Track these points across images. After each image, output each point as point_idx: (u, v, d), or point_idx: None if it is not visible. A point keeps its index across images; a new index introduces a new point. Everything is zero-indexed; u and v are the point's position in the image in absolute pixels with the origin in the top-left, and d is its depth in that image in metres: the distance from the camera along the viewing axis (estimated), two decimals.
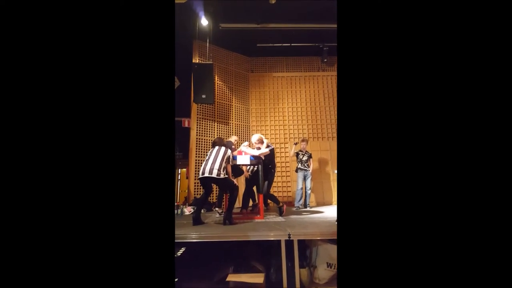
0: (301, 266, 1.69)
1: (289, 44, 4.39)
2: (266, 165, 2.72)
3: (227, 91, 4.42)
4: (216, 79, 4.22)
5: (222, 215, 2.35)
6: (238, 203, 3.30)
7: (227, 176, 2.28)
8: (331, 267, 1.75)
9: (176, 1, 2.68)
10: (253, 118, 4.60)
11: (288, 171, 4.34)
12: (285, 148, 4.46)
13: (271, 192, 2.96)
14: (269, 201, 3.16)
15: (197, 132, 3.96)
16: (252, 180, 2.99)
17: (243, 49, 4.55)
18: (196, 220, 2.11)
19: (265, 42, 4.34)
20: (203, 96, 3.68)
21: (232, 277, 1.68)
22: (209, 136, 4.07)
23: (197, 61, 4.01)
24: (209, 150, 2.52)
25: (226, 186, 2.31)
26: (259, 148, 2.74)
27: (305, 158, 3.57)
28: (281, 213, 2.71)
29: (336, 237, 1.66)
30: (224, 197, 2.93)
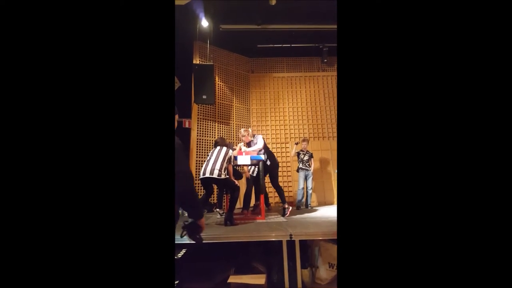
0: (303, 267, 1.69)
1: (289, 45, 4.40)
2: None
3: (227, 91, 4.42)
4: (216, 79, 4.22)
5: (223, 216, 2.35)
6: (239, 204, 3.30)
7: (228, 176, 2.28)
8: (333, 268, 1.75)
9: (176, 3, 2.69)
10: (253, 118, 4.61)
11: (290, 171, 4.34)
12: (286, 148, 4.46)
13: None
14: (270, 201, 3.15)
15: (197, 133, 3.96)
16: (253, 180, 2.99)
17: (243, 50, 4.56)
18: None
19: (266, 43, 4.35)
20: (204, 97, 3.69)
21: (233, 279, 1.68)
22: (210, 137, 4.07)
23: (198, 62, 4.02)
24: (210, 150, 2.52)
25: (227, 186, 2.31)
26: (255, 143, 2.74)
27: (306, 157, 3.57)
28: (284, 214, 2.70)
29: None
30: (225, 197, 2.93)
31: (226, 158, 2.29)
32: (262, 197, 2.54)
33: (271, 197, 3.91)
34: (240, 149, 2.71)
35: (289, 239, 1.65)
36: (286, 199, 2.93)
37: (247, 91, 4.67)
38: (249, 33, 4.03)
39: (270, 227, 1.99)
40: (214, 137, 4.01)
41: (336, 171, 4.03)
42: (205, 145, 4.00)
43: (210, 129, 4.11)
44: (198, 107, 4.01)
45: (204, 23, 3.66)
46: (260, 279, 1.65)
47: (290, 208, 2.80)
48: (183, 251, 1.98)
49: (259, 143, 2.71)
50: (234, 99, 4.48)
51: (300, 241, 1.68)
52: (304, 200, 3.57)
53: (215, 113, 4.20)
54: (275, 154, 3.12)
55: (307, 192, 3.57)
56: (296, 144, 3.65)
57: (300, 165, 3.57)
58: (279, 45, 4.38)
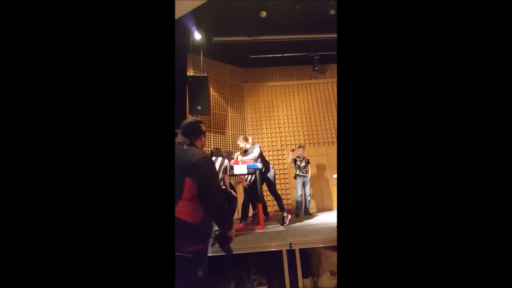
0: (304, 276, 1.66)
1: (281, 55, 4.50)
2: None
3: (222, 101, 4.46)
4: (211, 90, 4.27)
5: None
6: (237, 214, 3.26)
7: (224, 187, 2.27)
8: (334, 275, 1.73)
9: None
10: (249, 127, 4.63)
11: (287, 178, 4.34)
12: (282, 155, 4.47)
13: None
14: (268, 210, 3.11)
15: None
16: (251, 189, 2.98)
17: (236, 61, 4.64)
18: None
19: (258, 53, 4.44)
20: (199, 108, 3.71)
21: None
22: (206, 147, 4.07)
23: (192, 74, 4.06)
24: None
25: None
26: (251, 151, 2.74)
27: (303, 164, 3.58)
28: (283, 223, 2.68)
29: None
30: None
31: (222, 168, 2.29)
32: (260, 206, 2.52)
33: (270, 205, 3.88)
34: (237, 158, 2.72)
35: (289, 248, 1.64)
36: (285, 206, 2.90)
37: (241, 100, 4.72)
38: (241, 45, 4.12)
39: (269, 237, 1.97)
40: (210, 147, 4.01)
41: (334, 176, 4.04)
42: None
43: (205, 139, 4.11)
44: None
45: (197, 36, 3.73)
46: None
47: (289, 216, 2.77)
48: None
49: (255, 152, 2.72)
50: (229, 109, 4.52)
51: (300, 249, 1.66)
52: (303, 207, 3.55)
53: (210, 123, 4.21)
54: (271, 162, 3.12)
55: (305, 198, 3.55)
56: (292, 151, 3.66)
57: (298, 172, 3.57)
58: (271, 55, 4.48)
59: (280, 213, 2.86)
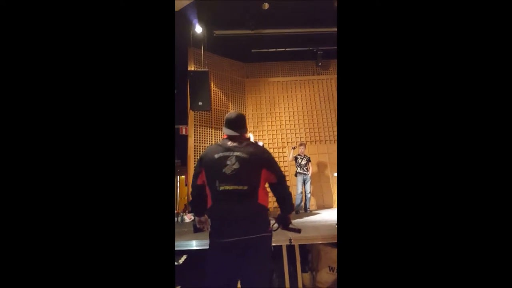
0: (303, 271, 1.67)
1: (283, 49, 4.45)
2: None
3: (223, 97, 4.44)
4: (212, 85, 4.24)
5: None
6: None
7: None
8: (333, 271, 1.73)
9: None
10: (250, 123, 4.61)
11: (287, 175, 4.33)
12: (283, 152, 4.46)
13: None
14: (268, 206, 3.11)
15: (194, 139, 3.95)
16: None
17: (238, 55, 4.59)
18: (197, 227, 2.08)
19: (260, 47, 4.39)
20: (200, 103, 3.69)
21: None
22: (207, 143, 4.06)
23: (193, 69, 4.04)
24: None
25: None
26: None
27: (303, 162, 3.57)
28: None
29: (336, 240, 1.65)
30: None
31: None
32: None
33: (270, 201, 3.88)
34: None
35: (288, 244, 1.64)
36: None
37: (242, 96, 4.69)
38: (243, 38, 4.06)
39: None
40: (211, 143, 4.00)
41: (334, 174, 4.03)
42: (202, 151, 3.99)
43: (207, 136, 4.10)
44: (195, 114, 4.01)
45: (198, 29, 3.69)
46: None
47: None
48: (184, 257, 1.94)
49: None
50: (230, 105, 4.49)
51: (300, 245, 1.66)
52: (303, 204, 3.55)
53: (211, 119, 4.20)
54: None
55: (305, 196, 3.55)
56: (293, 148, 3.65)
57: (298, 170, 3.56)
58: (273, 49, 4.43)
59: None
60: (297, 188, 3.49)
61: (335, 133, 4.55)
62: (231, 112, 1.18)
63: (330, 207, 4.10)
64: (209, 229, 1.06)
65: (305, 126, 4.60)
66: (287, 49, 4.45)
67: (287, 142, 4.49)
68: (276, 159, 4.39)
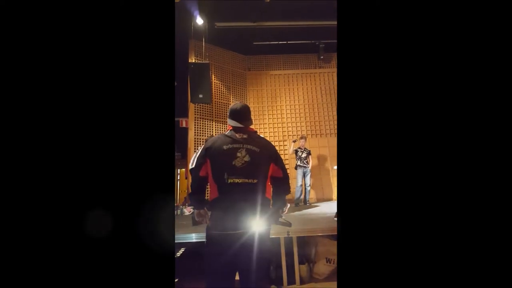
0: (300, 262, 1.71)
1: (285, 42, 4.38)
2: None
3: (224, 90, 4.41)
4: (213, 78, 4.21)
5: None
6: None
7: None
8: (330, 262, 1.77)
9: None
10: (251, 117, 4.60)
11: (288, 169, 4.35)
12: (284, 145, 4.47)
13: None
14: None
15: (195, 132, 3.96)
16: None
17: (239, 48, 4.53)
18: (196, 220, 2.11)
19: (261, 40, 4.33)
20: (200, 96, 3.67)
21: None
22: (207, 136, 4.07)
23: (193, 61, 4.00)
24: None
25: None
26: None
27: (304, 155, 3.58)
28: (282, 212, 2.69)
29: (335, 233, 1.68)
30: None
31: None
32: None
33: None
34: None
35: (286, 236, 1.67)
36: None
37: (243, 89, 4.66)
38: (244, 31, 4.00)
39: None
40: (211, 135, 4.01)
41: (334, 167, 4.05)
42: (203, 144, 4.00)
43: (207, 128, 4.11)
44: (195, 106, 4.00)
45: (199, 20, 3.63)
46: None
47: (288, 205, 2.80)
48: (182, 250, 1.99)
49: None
50: (231, 98, 4.47)
51: (298, 237, 1.70)
52: (302, 197, 3.59)
53: (212, 112, 4.19)
54: None
55: (305, 189, 3.58)
56: (294, 141, 3.65)
57: (298, 163, 3.58)
58: (275, 42, 4.36)
59: None
60: (297, 181, 3.52)
61: (336, 126, 4.54)
62: (236, 103, 1.13)
63: (329, 199, 4.14)
64: (207, 222, 1.04)
65: (306, 119, 4.58)
66: (289, 42, 4.39)
67: (288, 135, 4.49)
68: None
